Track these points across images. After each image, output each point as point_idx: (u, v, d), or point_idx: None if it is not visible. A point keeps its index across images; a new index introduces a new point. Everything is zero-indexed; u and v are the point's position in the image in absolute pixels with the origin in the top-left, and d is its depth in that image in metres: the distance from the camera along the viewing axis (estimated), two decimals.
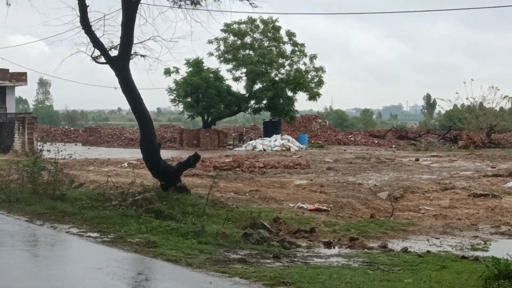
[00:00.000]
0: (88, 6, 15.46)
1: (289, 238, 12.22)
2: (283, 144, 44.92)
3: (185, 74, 48.10)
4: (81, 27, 15.58)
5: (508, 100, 56.79)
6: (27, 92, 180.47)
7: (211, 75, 48.10)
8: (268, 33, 49.33)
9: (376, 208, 16.83)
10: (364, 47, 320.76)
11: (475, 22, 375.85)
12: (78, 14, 15.44)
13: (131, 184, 17.26)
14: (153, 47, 16.00)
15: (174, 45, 15.77)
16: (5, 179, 18.14)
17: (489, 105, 57.37)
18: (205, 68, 48.49)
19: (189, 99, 48.51)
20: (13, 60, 64.13)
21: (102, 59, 15.91)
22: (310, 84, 49.02)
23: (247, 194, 18.46)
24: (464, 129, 57.99)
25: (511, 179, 22.01)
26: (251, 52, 49.24)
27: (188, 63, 47.78)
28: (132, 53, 15.81)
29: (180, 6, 15.98)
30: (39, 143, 18.80)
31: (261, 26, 49.31)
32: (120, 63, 15.57)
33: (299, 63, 49.47)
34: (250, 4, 15.80)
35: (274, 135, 46.97)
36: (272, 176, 23.79)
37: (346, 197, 17.94)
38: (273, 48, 49.17)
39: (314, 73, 49.37)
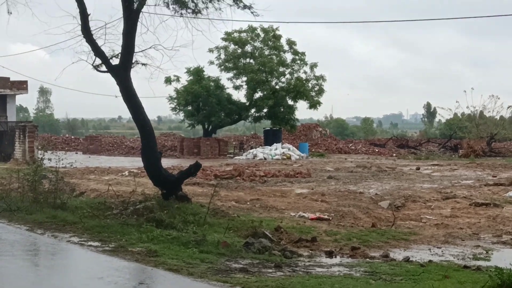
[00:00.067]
0: (89, 14, 15.49)
1: (291, 247, 12.19)
2: (283, 152, 44.89)
3: (186, 83, 48.14)
4: (82, 35, 15.59)
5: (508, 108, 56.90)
6: (27, 101, 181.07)
7: (211, 83, 48.14)
8: (269, 42, 49.40)
9: (377, 217, 16.80)
10: (364, 56, 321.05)
11: (476, 30, 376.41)
12: (79, 22, 15.45)
13: (132, 192, 17.23)
14: (154, 55, 16.01)
15: (175, 54, 15.77)
16: (6, 188, 18.13)
17: (489, 113, 57.47)
18: (206, 76, 48.52)
19: (189, 108, 48.53)
20: (13, 69, 64.09)
21: (103, 68, 15.92)
22: (311, 92, 49.07)
23: (248, 203, 18.42)
24: (465, 138, 57.97)
25: None
26: (251, 60, 49.30)
27: (188, 71, 47.82)
28: (133, 61, 15.82)
29: (181, 15, 15.99)
30: (39, 152, 18.78)
31: (262, 35, 49.40)
32: (121, 72, 15.58)
33: (299, 72, 49.58)
34: (252, 13, 15.80)
35: (275, 144, 46.95)
36: (273, 185, 23.76)
37: (347, 206, 17.90)
38: (274, 57, 49.22)
39: (314, 82, 49.44)
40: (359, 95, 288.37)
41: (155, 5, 15.77)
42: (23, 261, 10.56)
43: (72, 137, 69.07)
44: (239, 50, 49.32)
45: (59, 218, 14.47)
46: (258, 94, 49.31)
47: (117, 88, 15.80)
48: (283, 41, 49.70)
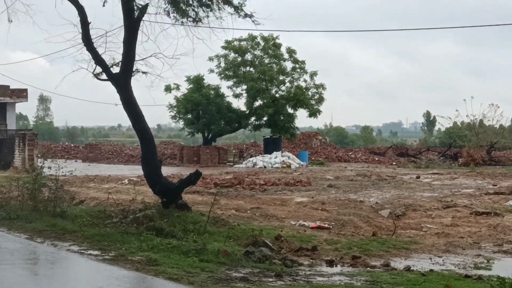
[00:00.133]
0: (90, 23, 15.49)
1: (291, 256, 12.14)
2: (283, 161, 44.89)
3: (186, 91, 48.21)
4: (83, 44, 15.59)
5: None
6: (27, 109, 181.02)
7: (211, 91, 48.21)
8: (269, 50, 49.51)
9: (378, 226, 16.76)
10: (364, 64, 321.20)
11: (475, 39, 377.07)
12: (80, 31, 15.46)
13: (132, 201, 17.17)
14: (154, 63, 16.00)
15: (176, 62, 15.77)
16: (6, 196, 18.08)
17: (489, 122, 57.52)
18: (206, 84, 48.61)
19: (189, 116, 48.57)
20: (14, 77, 64.53)
21: (104, 76, 15.91)
22: (311, 101, 49.13)
23: (248, 211, 18.38)
24: (464, 147, 57.99)
25: None
26: (251, 69, 49.39)
27: (188, 79, 47.90)
28: (134, 70, 15.82)
29: (182, 23, 15.98)
30: (39, 160, 18.76)
31: (262, 43, 49.51)
32: (121, 80, 15.57)
33: (299, 80, 49.73)
34: (253, 21, 15.78)
35: (275, 152, 46.98)
36: (273, 194, 23.73)
37: (348, 214, 17.87)
38: (274, 65, 49.34)
39: (314, 90, 49.53)
40: (359, 104, 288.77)
41: (156, 13, 15.78)
42: (22, 270, 10.51)
43: (72, 145, 69.13)
44: (239, 59, 49.41)
45: (59, 226, 14.42)
46: (258, 103, 49.41)
47: (117, 96, 15.81)
48: (283, 49, 49.89)
